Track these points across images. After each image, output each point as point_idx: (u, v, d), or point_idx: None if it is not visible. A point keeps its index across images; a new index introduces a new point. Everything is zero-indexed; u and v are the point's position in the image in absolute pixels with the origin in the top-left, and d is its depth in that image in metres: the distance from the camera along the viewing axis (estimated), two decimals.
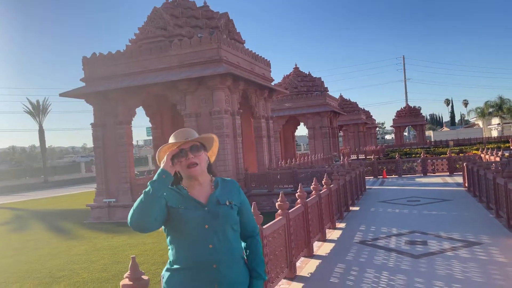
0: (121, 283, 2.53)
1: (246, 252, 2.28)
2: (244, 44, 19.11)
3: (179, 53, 15.79)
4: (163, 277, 2.17)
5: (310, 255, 6.54)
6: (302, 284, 5.29)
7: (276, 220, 5.28)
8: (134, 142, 62.48)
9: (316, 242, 7.23)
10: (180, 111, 16.17)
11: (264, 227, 4.72)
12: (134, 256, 2.60)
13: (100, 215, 15.95)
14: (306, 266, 6.06)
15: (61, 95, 16.64)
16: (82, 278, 7.72)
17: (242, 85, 16.78)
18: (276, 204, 5.54)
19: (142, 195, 2.02)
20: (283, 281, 5.39)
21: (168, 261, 2.18)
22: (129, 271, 2.54)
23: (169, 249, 2.19)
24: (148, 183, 2.03)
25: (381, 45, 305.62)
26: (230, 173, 15.68)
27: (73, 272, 8.24)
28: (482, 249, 6.29)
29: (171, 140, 2.23)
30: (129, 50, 16.64)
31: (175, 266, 2.11)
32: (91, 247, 10.70)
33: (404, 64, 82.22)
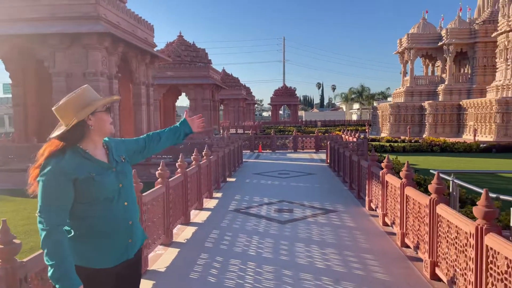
0: None
1: (164, 136, 2.47)
2: (126, 4, 17.95)
3: (52, 3, 14.14)
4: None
5: (187, 222, 6.76)
6: (178, 249, 5.49)
7: (156, 188, 5.33)
8: None
9: (193, 210, 7.47)
10: (48, 69, 14.65)
11: (143, 194, 4.75)
12: (5, 219, 2.45)
13: None
14: (182, 233, 6.26)
15: None
16: None
17: (122, 47, 15.85)
18: (157, 172, 5.57)
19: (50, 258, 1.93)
20: (160, 247, 5.52)
21: (73, 234, 2.06)
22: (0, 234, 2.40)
23: (73, 222, 2.06)
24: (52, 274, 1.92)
25: (265, 24, 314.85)
26: None
27: None
28: (336, 216, 7.29)
29: (92, 94, 2.13)
30: None
31: (88, 232, 2.05)
32: None
33: (284, 45, 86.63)
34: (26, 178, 2.12)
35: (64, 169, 1.99)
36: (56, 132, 2.10)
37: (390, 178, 6.23)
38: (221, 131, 36.29)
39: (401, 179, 5.70)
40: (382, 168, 6.90)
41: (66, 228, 2.05)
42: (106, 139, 2.28)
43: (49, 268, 1.93)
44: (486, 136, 27.19)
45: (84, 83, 14.05)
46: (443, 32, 34.37)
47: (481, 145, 21.90)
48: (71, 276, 1.92)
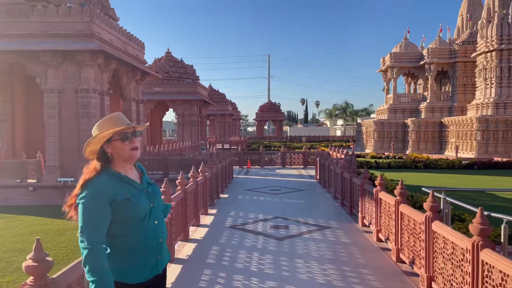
0: (24, 264, 2.49)
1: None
2: (118, 22, 18.16)
3: (43, 20, 14.28)
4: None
5: (187, 239, 6.87)
6: (180, 266, 5.59)
7: None
8: None
9: (191, 227, 7.57)
10: (40, 85, 14.68)
11: None
12: (38, 238, 2.58)
13: None
14: (183, 249, 6.37)
15: None
16: None
17: (114, 64, 16.02)
18: (161, 190, 5.69)
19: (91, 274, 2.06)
20: None
21: (108, 251, 2.17)
22: (33, 252, 2.52)
23: (108, 240, 2.17)
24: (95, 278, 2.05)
25: (251, 41, 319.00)
26: None
27: None
28: (331, 232, 7.50)
29: (112, 122, 2.23)
30: None
31: (122, 249, 2.19)
32: None
33: (269, 62, 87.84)
34: (63, 203, 2.28)
35: (102, 192, 2.14)
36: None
37: (384, 196, 6.49)
38: (208, 146, 36.38)
39: (394, 196, 5.96)
40: (375, 186, 7.16)
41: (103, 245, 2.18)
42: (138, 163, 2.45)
43: (91, 284, 2.06)
44: (468, 153, 27.98)
45: (75, 100, 14.16)
46: (425, 52, 35.51)
47: (463, 162, 22.54)
48: None
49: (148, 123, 2.63)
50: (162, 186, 5.74)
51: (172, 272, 5.34)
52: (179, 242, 6.62)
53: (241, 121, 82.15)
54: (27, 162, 14.51)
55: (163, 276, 2.42)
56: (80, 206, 2.13)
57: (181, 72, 34.17)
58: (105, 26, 15.49)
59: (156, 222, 2.28)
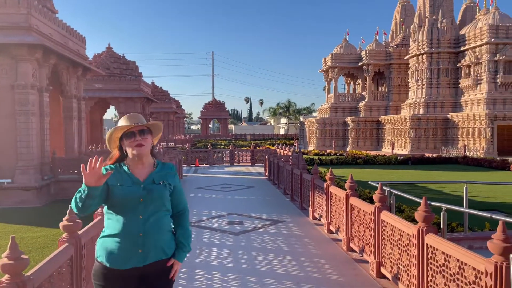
0: (0, 263, 2.46)
1: (175, 226, 2.58)
2: (57, 15, 17.30)
3: None
4: (97, 243, 2.48)
5: None
6: None
7: None
8: None
9: None
10: None
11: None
12: (13, 236, 2.55)
13: None
14: None
15: None
16: None
17: (53, 59, 15.23)
18: None
19: (78, 195, 2.32)
20: None
21: (103, 230, 2.48)
22: (8, 250, 2.50)
23: (105, 219, 2.49)
24: (80, 191, 2.30)
25: (194, 38, 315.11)
26: (35, 156, 14.11)
27: None
28: (284, 226, 7.81)
29: (123, 122, 2.46)
30: None
31: (107, 233, 2.42)
32: None
33: (213, 59, 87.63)
34: None
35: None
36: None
37: (334, 190, 6.89)
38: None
39: (344, 190, 6.37)
40: (324, 181, 7.56)
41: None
42: (160, 162, 2.59)
43: (80, 200, 2.30)
44: (402, 149, 29.92)
45: (12, 97, 13.35)
46: (363, 53, 37.36)
47: (398, 158, 24.11)
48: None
49: (161, 122, 2.77)
50: None
51: None
52: None
53: (185, 119, 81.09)
54: None
55: (148, 273, 2.37)
56: None
57: (123, 69, 33.11)
58: (43, 19, 14.70)
59: (140, 217, 2.36)
